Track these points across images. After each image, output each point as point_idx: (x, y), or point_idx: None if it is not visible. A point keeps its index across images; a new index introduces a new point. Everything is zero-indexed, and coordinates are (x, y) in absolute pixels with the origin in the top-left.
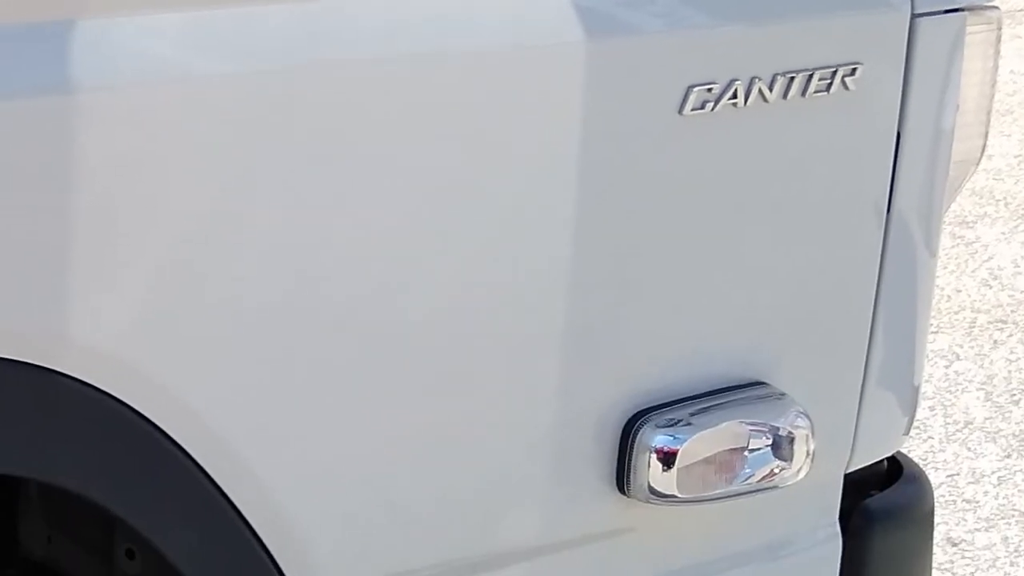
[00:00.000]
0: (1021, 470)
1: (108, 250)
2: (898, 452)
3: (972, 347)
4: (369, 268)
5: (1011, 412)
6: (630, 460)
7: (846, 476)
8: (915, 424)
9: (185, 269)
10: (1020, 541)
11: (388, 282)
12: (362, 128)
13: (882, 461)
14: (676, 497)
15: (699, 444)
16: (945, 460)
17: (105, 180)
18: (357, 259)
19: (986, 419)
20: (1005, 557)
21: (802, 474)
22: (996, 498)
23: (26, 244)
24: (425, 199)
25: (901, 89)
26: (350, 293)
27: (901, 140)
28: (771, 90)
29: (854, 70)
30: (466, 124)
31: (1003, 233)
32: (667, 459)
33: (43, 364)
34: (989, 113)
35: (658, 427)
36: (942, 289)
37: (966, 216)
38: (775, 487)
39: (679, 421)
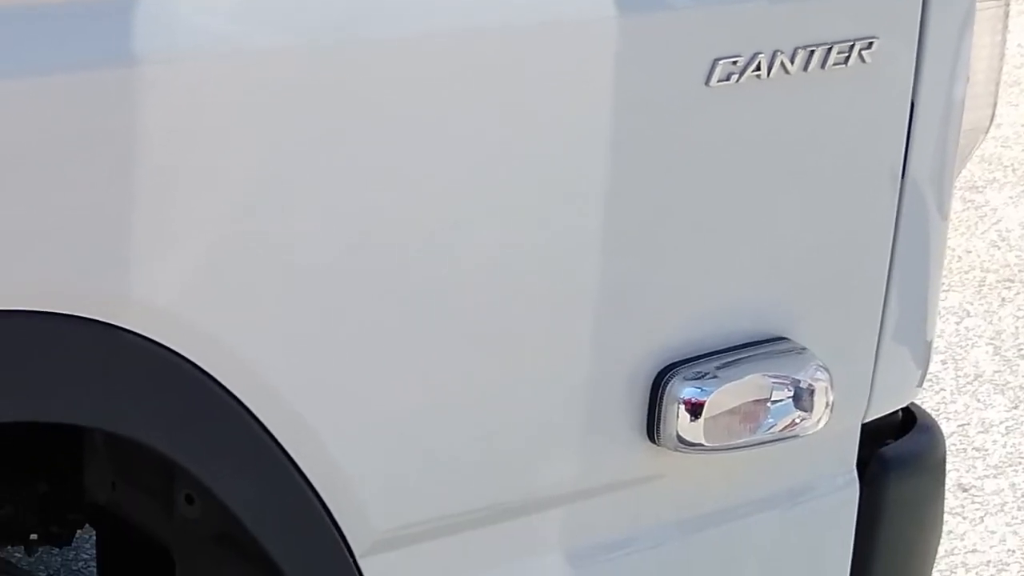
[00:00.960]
0: None
1: (167, 214)
2: (912, 403)
3: (981, 304)
4: (415, 229)
5: (1018, 365)
6: (660, 411)
7: (863, 426)
8: (928, 377)
9: (240, 231)
10: None
11: (433, 242)
12: (409, 99)
13: (897, 411)
14: (703, 446)
15: (725, 396)
16: (956, 411)
17: (165, 148)
18: (404, 221)
19: (995, 372)
20: (1013, 502)
21: (821, 424)
22: (1004, 446)
23: (91, 209)
24: (469, 166)
25: (915, 62)
26: (398, 253)
27: (915, 110)
28: (792, 63)
29: (870, 44)
30: (506, 95)
31: (1011, 197)
32: (695, 410)
33: (108, 321)
34: (998, 84)
35: (686, 380)
36: (953, 250)
37: (976, 181)
38: (796, 436)
39: (706, 374)
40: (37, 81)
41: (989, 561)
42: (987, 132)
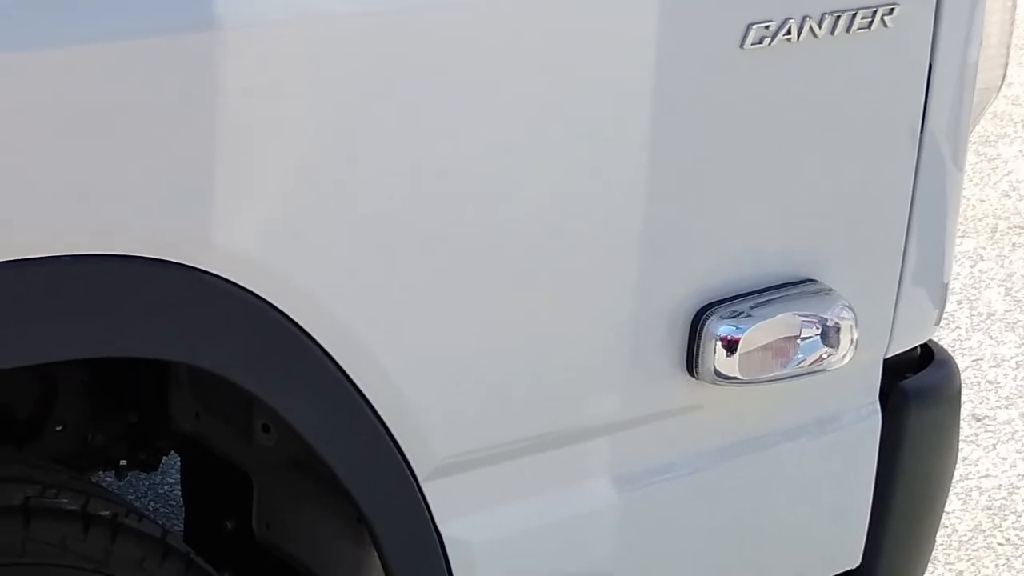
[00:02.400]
0: None
1: (247, 165)
2: (930, 340)
3: (994, 249)
4: (472, 180)
5: None
6: (698, 347)
7: (885, 360)
8: (944, 316)
9: (312, 181)
10: None
11: (489, 191)
12: (466, 59)
13: (916, 348)
14: (738, 379)
15: (758, 333)
16: (970, 347)
17: (245, 105)
18: (461, 172)
19: (1006, 311)
20: (1023, 431)
21: (847, 359)
22: (1015, 380)
23: (177, 162)
24: (521, 121)
25: (932, 26)
26: (457, 200)
27: (932, 71)
28: (820, 27)
29: (892, 9)
30: (555, 56)
31: (1021, 151)
32: (730, 346)
33: (192, 264)
34: (1009, 47)
35: (722, 318)
36: (967, 199)
37: (988, 136)
38: (823, 370)
39: (741, 313)
40: (129, 44)
41: (1000, 485)
42: (999, 91)
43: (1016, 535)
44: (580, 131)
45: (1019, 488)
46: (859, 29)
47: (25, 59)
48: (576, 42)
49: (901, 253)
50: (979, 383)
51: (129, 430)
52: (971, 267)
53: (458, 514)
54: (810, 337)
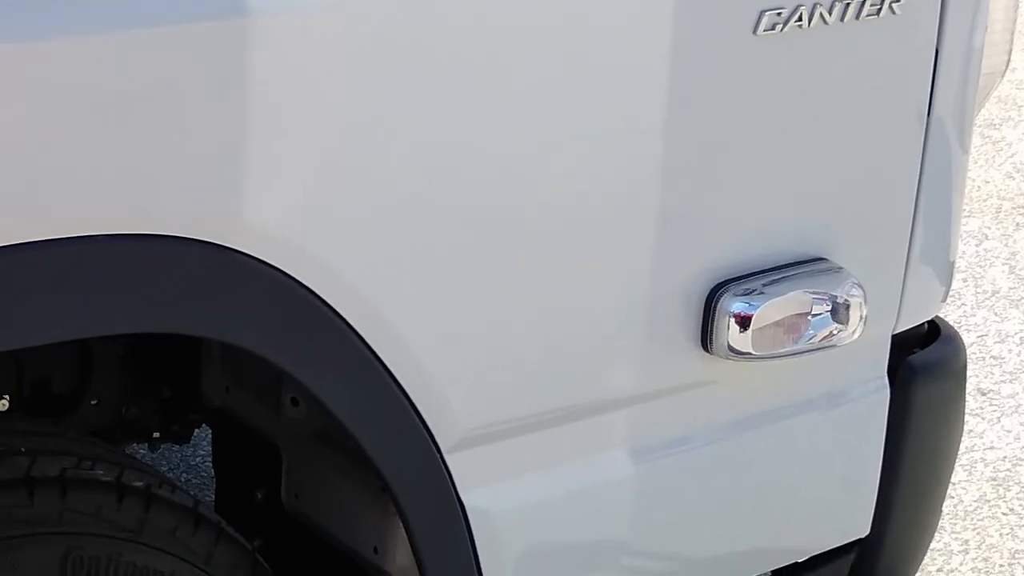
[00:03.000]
0: None
1: (277, 149)
2: (936, 316)
3: (998, 229)
4: (494, 159)
5: None
6: (712, 323)
7: (893, 336)
8: (950, 293)
9: (342, 164)
10: None
11: (511, 174)
12: (488, 47)
13: (923, 324)
14: (751, 354)
15: (770, 310)
16: (976, 323)
17: (276, 90)
18: (484, 152)
19: (1010, 289)
20: None
21: (856, 335)
22: (1019, 355)
23: (210, 145)
24: (541, 105)
25: (939, 13)
26: (479, 182)
27: (939, 56)
28: (831, 14)
29: None
30: (574, 45)
31: None
32: (743, 322)
33: (224, 244)
34: (1013, 33)
35: (736, 295)
36: (972, 180)
37: (993, 119)
38: (834, 346)
39: (754, 290)
40: (165, 31)
41: (1005, 457)
42: (1003, 75)
43: (1020, 505)
44: (598, 116)
45: (1022, 460)
46: (868, 16)
47: (64, 46)
48: (594, 32)
49: (909, 232)
50: (984, 358)
51: (162, 404)
52: (976, 246)
53: (480, 484)
54: (821, 314)
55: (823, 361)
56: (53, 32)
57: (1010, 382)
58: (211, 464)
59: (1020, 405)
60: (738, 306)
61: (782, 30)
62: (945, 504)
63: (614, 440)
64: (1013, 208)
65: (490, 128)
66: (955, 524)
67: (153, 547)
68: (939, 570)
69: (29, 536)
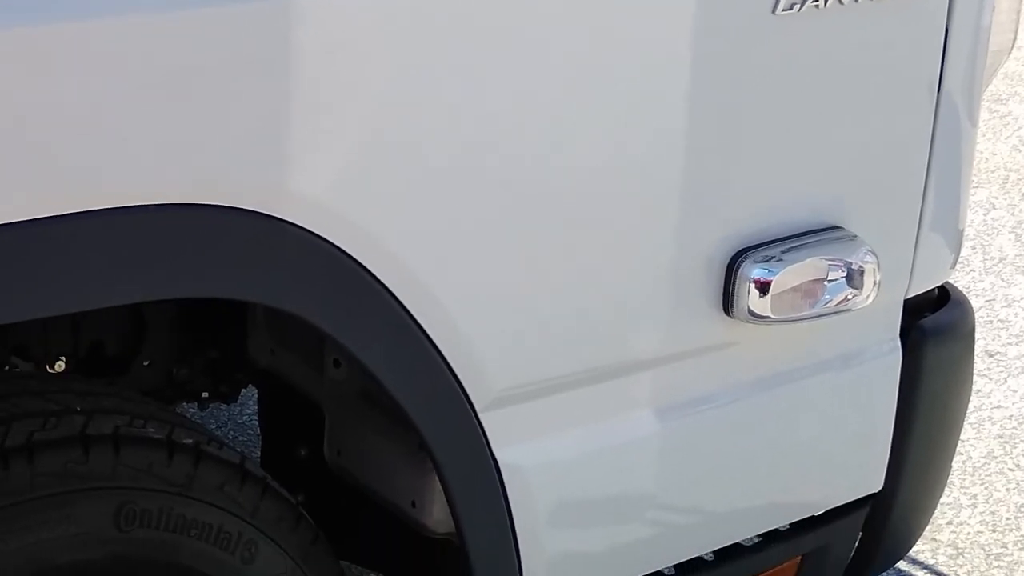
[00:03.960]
0: None
1: (321, 122)
2: (946, 282)
3: (1005, 199)
4: (527, 133)
5: None
6: (734, 288)
7: (905, 301)
8: (959, 260)
9: (382, 137)
10: None
11: (543, 142)
12: (520, 24)
13: (933, 289)
14: (770, 318)
15: (788, 276)
16: (984, 288)
17: (320, 66)
18: (517, 126)
19: (1016, 255)
20: None
21: (870, 300)
22: None
23: (257, 119)
24: (570, 81)
25: None
26: (512, 152)
27: (949, 34)
28: None
29: None
30: (606, 21)
31: None
32: (763, 287)
33: (270, 213)
34: (1019, 12)
35: (756, 262)
36: (981, 152)
37: (1000, 94)
38: (848, 310)
39: (772, 257)
40: (218, 10)
41: (1011, 416)
42: (1010, 53)
43: None
44: (626, 92)
45: None
46: None
47: (122, 24)
48: (621, 10)
49: (920, 202)
50: (991, 322)
51: (210, 365)
52: (984, 215)
53: (513, 442)
54: (836, 279)
55: (838, 324)
56: (114, 10)
57: (1016, 344)
58: (257, 422)
59: None
60: (758, 272)
61: (800, 10)
62: (954, 460)
63: (640, 399)
64: (1019, 179)
65: (523, 103)
66: (964, 479)
67: (202, 501)
68: (948, 523)
69: (84, 491)
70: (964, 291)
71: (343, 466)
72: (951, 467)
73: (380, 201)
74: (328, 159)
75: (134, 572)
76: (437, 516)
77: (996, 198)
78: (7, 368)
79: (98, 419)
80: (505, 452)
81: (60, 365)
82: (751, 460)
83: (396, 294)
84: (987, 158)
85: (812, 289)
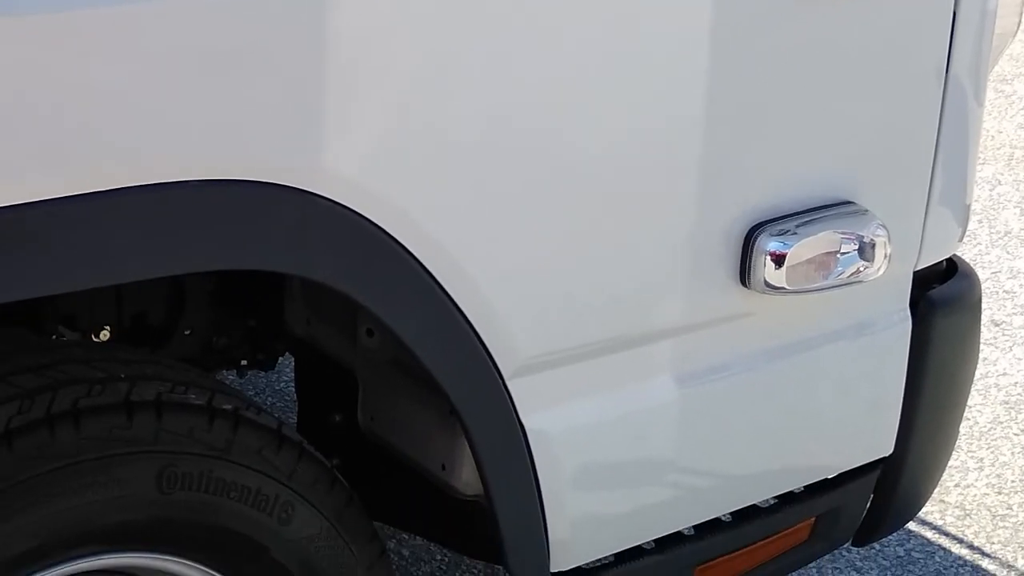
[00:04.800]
0: None
1: (353, 101)
2: (954, 255)
3: (1010, 175)
4: (550, 111)
5: None
6: (750, 261)
7: (914, 273)
8: (966, 233)
9: (412, 114)
10: None
11: (566, 121)
12: (546, 8)
13: (942, 261)
14: (785, 289)
15: (803, 248)
16: (990, 261)
17: (353, 48)
18: (541, 104)
19: (1021, 229)
20: None
21: (881, 271)
22: None
23: (292, 98)
24: (595, 59)
25: None
26: (538, 129)
27: (956, 17)
28: None
29: None
30: (628, 6)
31: None
32: (778, 260)
33: (306, 188)
34: None
35: (772, 235)
36: (987, 131)
37: (1005, 75)
38: (860, 281)
39: (788, 231)
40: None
41: (1016, 383)
42: (1015, 35)
43: None
44: (648, 72)
45: None
46: None
47: (170, 7)
48: None
49: (929, 178)
50: (997, 293)
51: (249, 334)
52: (990, 190)
53: (539, 407)
54: (848, 252)
55: (851, 295)
56: None
57: (1021, 314)
58: (293, 389)
59: None
60: (774, 245)
61: None
62: (961, 425)
63: (661, 367)
64: (1023, 156)
65: (547, 82)
66: (971, 444)
67: (240, 464)
68: (956, 485)
69: (129, 454)
70: (971, 263)
71: (376, 431)
72: (959, 432)
73: (411, 177)
74: (361, 137)
75: (175, 533)
76: (466, 479)
77: (1002, 174)
78: (55, 337)
79: (141, 386)
80: (531, 418)
81: (105, 334)
82: (767, 425)
83: (427, 266)
84: (993, 136)
85: (825, 261)
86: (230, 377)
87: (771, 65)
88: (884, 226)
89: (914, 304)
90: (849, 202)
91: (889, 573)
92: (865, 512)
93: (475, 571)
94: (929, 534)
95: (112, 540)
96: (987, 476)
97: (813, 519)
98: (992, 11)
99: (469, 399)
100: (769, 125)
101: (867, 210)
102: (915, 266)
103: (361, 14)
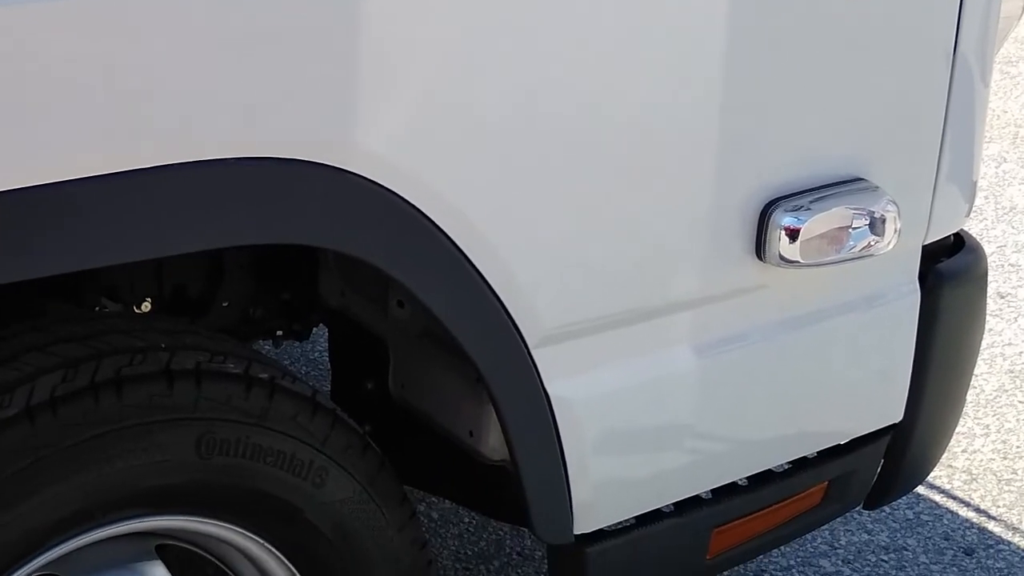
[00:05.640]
0: None
1: (385, 81)
2: (961, 229)
3: (1015, 153)
4: (573, 89)
5: None
6: (766, 235)
7: (923, 247)
8: (973, 209)
9: (441, 94)
10: None
11: (588, 99)
12: None
13: (949, 236)
14: (799, 262)
15: (816, 223)
16: (996, 235)
17: (387, 29)
18: (564, 83)
19: None
20: None
21: (891, 246)
22: None
23: (327, 79)
24: (616, 42)
25: None
26: (561, 108)
27: (963, 1)
28: None
29: None
30: None
31: None
32: (793, 234)
33: (339, 166)
34: None
35: (786, 211)
36: (993, 110)
37: (1010, 56)
38: (871, 255)
39: (802, 207)
40: None
41: (1021, 352)
42: (1019, 19)
43: None
44: (669, 51)
45: None
46: None
47: None
48: None
49: (937, 156)
50: (1003, 266)
51: (284, 305)
52: (996, 168)
53: (562, 376)
54: (860, 227)
55: (862, 268)
56: None
57: None
58: (327, 358)
59: None
60: (788, 220)
61: None
62: (968, 393)
63: (679, 337)
64: None
65: (570, 61)
66: (977, 411)
67: (276, 431)
68: (963, 451)
69: (169, 421)
70: (977, 238)
71: (407, 399)
72: (966, 399)
73: (440, 155)
74: (391, 115)
75: (214, 496)
76: (492, 444)
77: (1007, 152)
78: (97, 309)
79: (181, 355)
80: (555, 385)
81: (146, 306)
82: (781, 393)
83: (454, 239)
84: (999, 115)
85: (838, 236)
86: (266, 347)
87: (786, 46)
88: (894, 202)
89: (923, 277)
90: (860, 179)
91: (899, 535)
92: (876, 476)
93: (501, 533)
94: (937, 497)
95: (154, 503)
96: (993, 442)
97: (826, 483)
98: None
99: (496, 368)
100: (784, 105)
101: (878, 187)
102: (924, 240)
103: None
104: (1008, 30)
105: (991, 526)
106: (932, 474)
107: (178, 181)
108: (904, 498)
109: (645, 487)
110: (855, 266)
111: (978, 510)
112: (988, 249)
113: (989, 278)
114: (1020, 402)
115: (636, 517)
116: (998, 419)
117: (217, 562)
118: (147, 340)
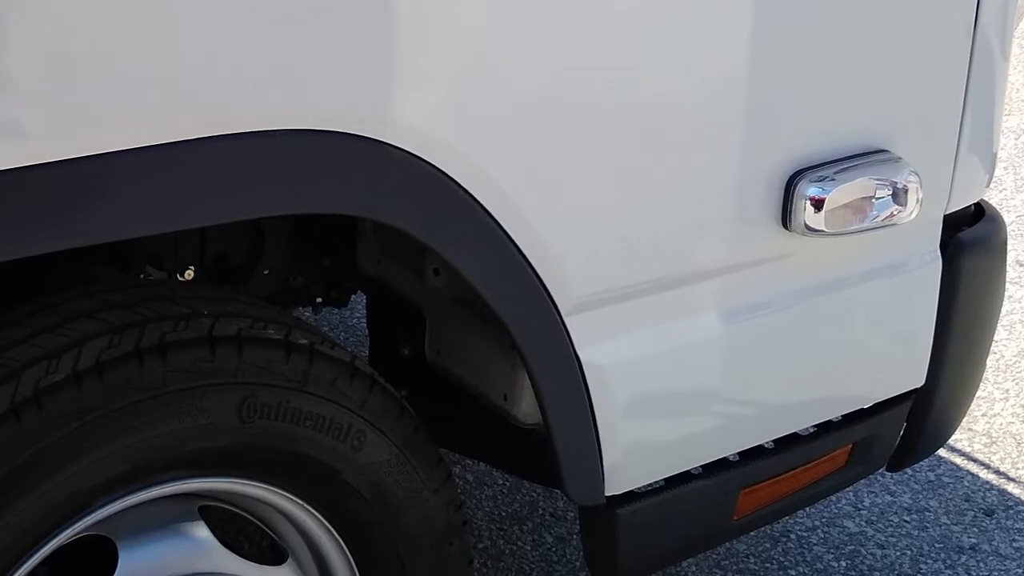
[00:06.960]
0: None
1: (422, 54)
2: (981, 199)
3: None
4: (606, 63)
5: None
6: (791, 205)
7: (944, 216)
8: (993, 179)
9: (477, 66)
10: None
11: (620, 73)
12: None
13: (970, 205)
14: (824, 231)
15: (841, 194)
16: (1015, 205)
17: (422, 3)
18: (597, 56)
19: None
20: None
21: (913, 215)
22: None
23: (366, 53)
24: (648, 17)
25: None
26: (594, 81)
27: None
28: None
29: None
30: None
31: None
32: (818, 204)
33: (377, 137)
34: None
35: (811, 181)
36: (1012, 83)
37: None
38: (894, 224)
39: (826, 177)
40: None
41: None
42: None
43: None
44: (699, 25)
45: None
46: None
47: None
48: None
49: (958, 128)
50: (1022, 235)
51: (323, 273)
52: (1015, 139)
53: (594, 342)
54: (883, 197)
55: (884, 237)
56: None
57: None
58: (365, 325)
59: None
60: (813, 190)
61: None
62: (988, 359)
63: (707, 304)
64: None
65: (603, 33)
66: (997, 376)
67: (315, 395)
68: (983, 415)
69: (212, 385)
70: (997, 207)
71: (442, 364)
72: (986, 365)
73: (475, 126)
74: (429, 88)
75: (255, 459)
76: (526, 408)
77: None
78: (142, 276)
79: (223, 322)
80: (587, 351)
81: (189, 274)
82: (806, 359)
83: (490, 210)
84: (1018, 89)
85: (861, 206)
86: (306, 314)
87: (811, 20)
88: (916, 173)
89: (944, 245)
90: (883, 150)
91: (920, 496)
92: (898, 439)
93: (535, 495)
94: (958, 460)
95: (197, 465)
96: (1012, 406)
97: (850, 446)
98: None
99: (529, 334)
100: (809, 77)
101: (900, 158)
102: (945, 210)
103: None
104: None
105: (1010, 487)
106: (953, 437)
107: (220, 153)
108: (926, 460)
109: (674, 450)
110: (878, 235)
111: (998, 472)
112: (1008, 218)
113: (1008, 247)
114: None
115: (665, 479)
116: (1017, 384)
117: (258, 523)
118: (190, 307)
